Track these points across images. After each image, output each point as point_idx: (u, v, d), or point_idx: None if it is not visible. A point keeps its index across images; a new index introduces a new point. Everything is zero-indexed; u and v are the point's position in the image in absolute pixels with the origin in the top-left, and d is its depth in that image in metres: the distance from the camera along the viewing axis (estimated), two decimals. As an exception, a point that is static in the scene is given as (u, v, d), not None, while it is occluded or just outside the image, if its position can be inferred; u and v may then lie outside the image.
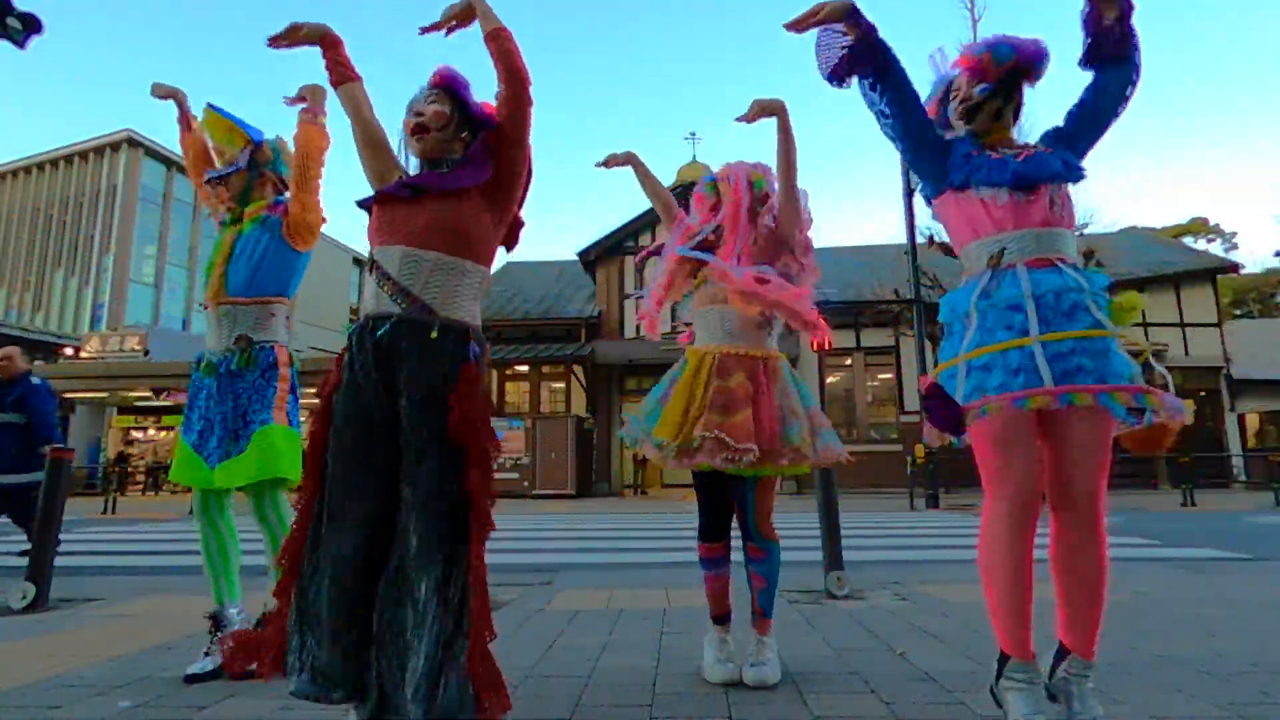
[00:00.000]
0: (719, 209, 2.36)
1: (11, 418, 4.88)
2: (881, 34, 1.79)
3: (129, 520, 10.60)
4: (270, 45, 1.86)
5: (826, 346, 2.32)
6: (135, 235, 32.48)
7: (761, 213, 2.34)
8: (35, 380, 5.04)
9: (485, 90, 1.78)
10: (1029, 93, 1.83)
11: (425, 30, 1.81)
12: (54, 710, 1.91)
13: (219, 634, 2.24)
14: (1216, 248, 37.02)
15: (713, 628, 2.26)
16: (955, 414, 1.64)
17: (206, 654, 2.20)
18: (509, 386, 18.05)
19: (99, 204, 33.16)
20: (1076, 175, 1.71)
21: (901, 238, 13.42)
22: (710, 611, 2.27)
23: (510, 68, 1.69)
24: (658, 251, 2.51)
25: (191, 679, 2.13)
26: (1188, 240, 32.55)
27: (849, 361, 17.76)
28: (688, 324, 2.46)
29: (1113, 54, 1.72)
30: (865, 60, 1.78)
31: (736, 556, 2.28)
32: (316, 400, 1.65)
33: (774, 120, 2.23)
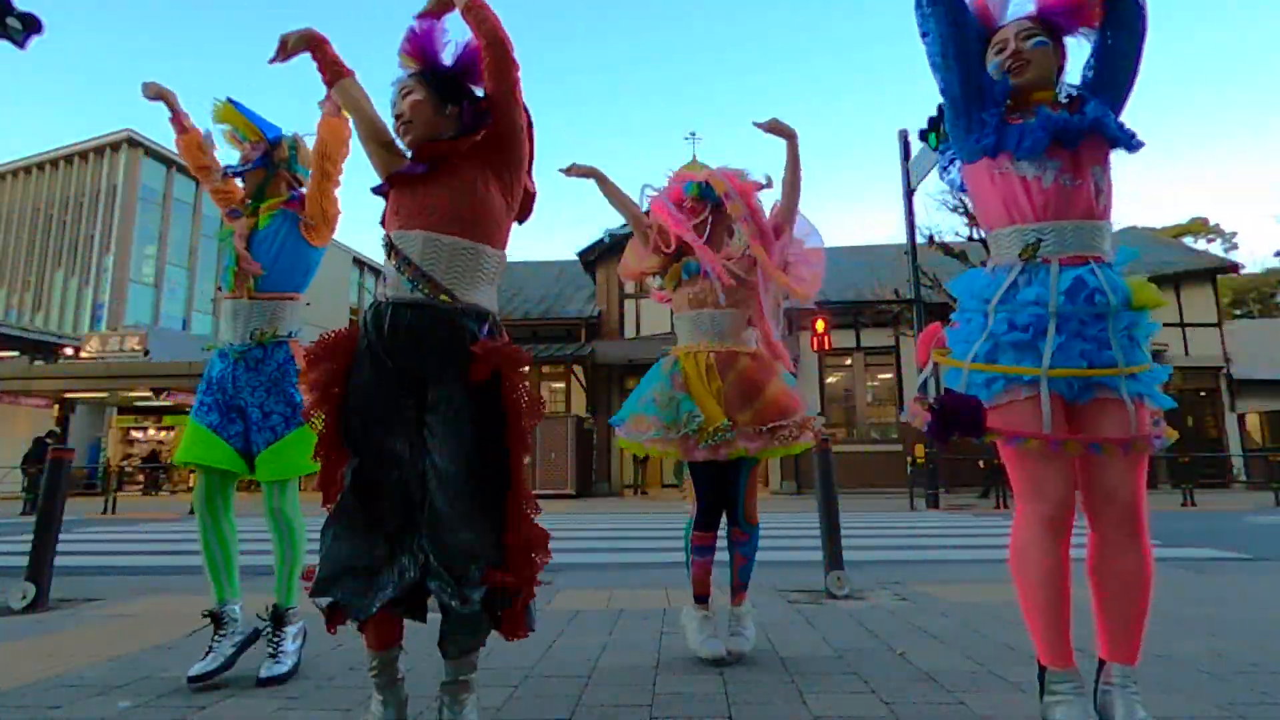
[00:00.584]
0: (697, 212, 2.45)
1: None
2: None
3: (129, 520, 10.60)
4: (271, 64, 1.86)
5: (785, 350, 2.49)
6: (135, 235, 32.47)
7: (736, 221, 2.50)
8: None
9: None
10: None
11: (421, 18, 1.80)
12: (54, 710, 1.91)
13: (221, 633, 2.22)
14: (1216, 248, 37.02)
15: (695, 606, 2.43)
16: (976, 414, 1.50)
17: (209, 653, 2.17)
18: (509, 386, 18.01)
19: (99, 204, 33.15)
20: (1133, 141, 1.57)
21: (901, 238, 13.41)
22: (694, 592, 2.44)
23: (489, 35, 1.66)
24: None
25: (196, 679, 2.09)
26: (1188, 240, 32.54)
27: (849, 361, 17.76)
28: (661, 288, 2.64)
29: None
30: None
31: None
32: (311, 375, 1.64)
33: (784, 143, 2.40)
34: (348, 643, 2.45)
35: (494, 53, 1.66)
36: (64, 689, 2.10)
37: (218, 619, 2.25)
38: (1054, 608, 1.52)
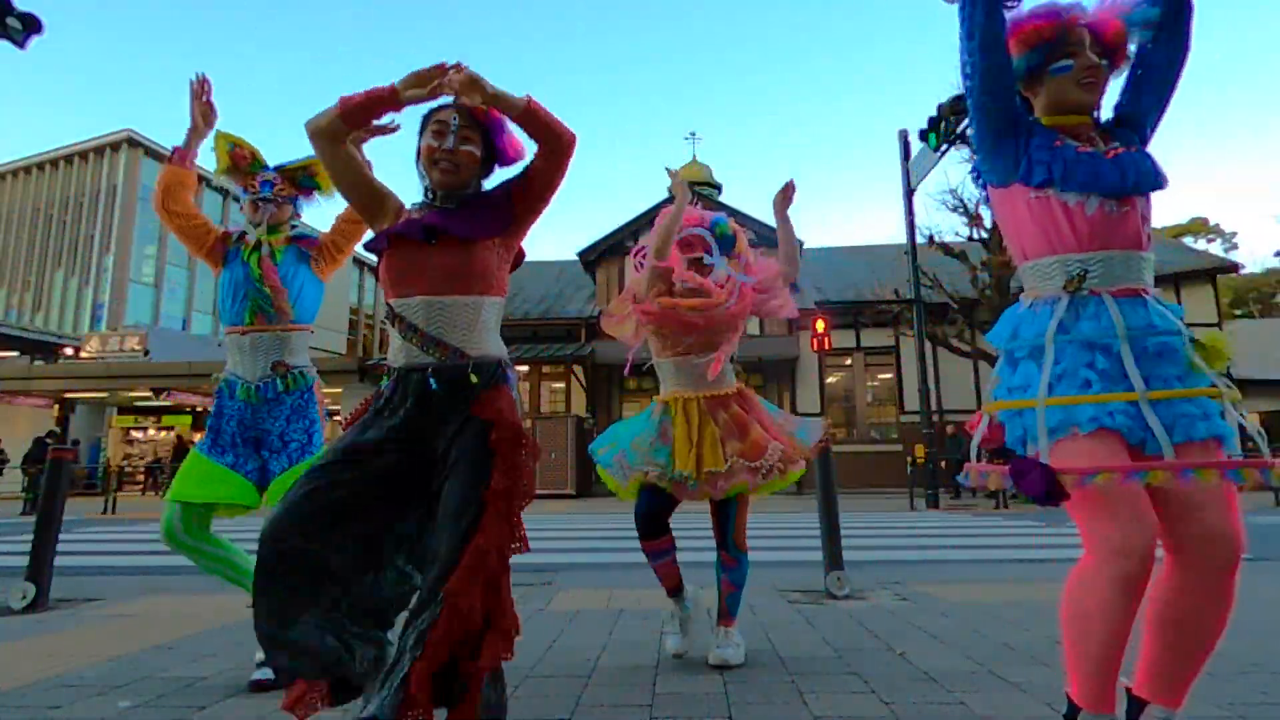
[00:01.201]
0: (710, 251, 2.55)
1: None
2: None
3: (129, 520, 10.60)
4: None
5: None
6: (135, 235, 32.49)
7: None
8: None
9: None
10: None
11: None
12: (54, 710, 1.91)
13: None
14: (1216, 248, 37.07)
15: (673, 603, 2.49)
16: (1050, 480, 1.28)
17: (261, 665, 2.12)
18: (509, 386, 18.03)
19: (99, 204, 33.18)
20: (1164, 181, 1.45)
21: (901, 238, 13.42)
22: (665, 588, 2.48)
23: (554, 137, 1.58)
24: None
25: (257, 686, 2.07)
26: (1188, 240, 32.58)
27: (849, 361, 17.76)
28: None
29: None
30: None
31: (707, 556, 2.39)
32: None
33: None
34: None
35: (556, 150, 1.60)
36: (64, 689, 2.10)
37: None
38: (1108, 660, 1.33)
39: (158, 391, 18.54)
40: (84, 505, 12.91)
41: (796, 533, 7.47)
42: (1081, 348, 1.39)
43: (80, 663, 2.39)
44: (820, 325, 13.40)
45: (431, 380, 1.53)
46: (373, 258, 1.69)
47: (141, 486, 19.85)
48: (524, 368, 17.69)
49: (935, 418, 13.93)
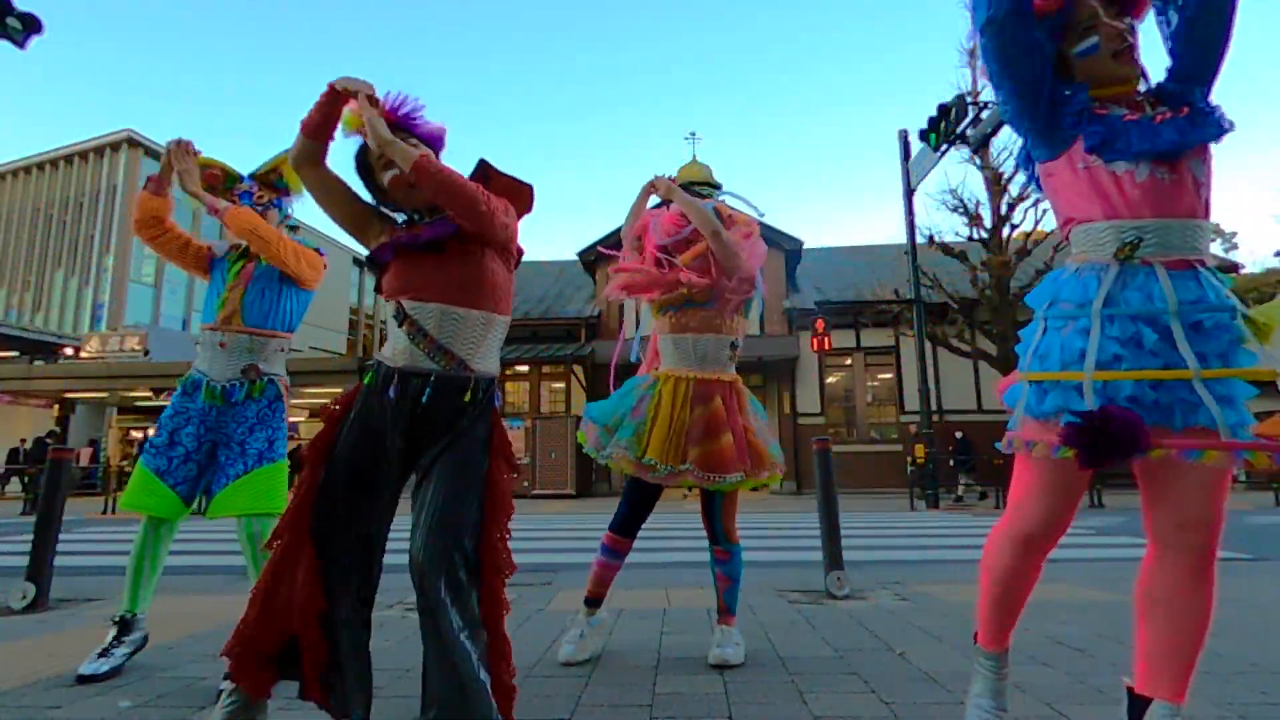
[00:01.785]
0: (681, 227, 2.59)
1: None
2: None
3: (129, 520, 10.60)
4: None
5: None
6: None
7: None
8: None
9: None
10: None
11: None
12: (54, 710, 1.91)
13: (122, 638, 2.26)
14: (1217, 248, 37.01)
15: (585, 610, 2.47)
16: (1134, 432, 1.25)
17: (102, 655, 2.21)
18: (509, 386, 18.04)
19: (99, 204, 33.15)
20: (1227, 127, 1.38)
21: (901, 238, 13.42)
22: (588, 592, 2.47)
23: (452, 201, 1.52)
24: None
25: (86, 679, 2.13)
26: (1188, 240, 32.45)
27: (849, 361, 17.76)
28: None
29: None
30: None
31: (701, 556, 2.34)
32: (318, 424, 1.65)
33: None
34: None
35: (468, 216, 1.54)
36: (64, 689, 2.10)
37: (125, 625, 2.28)
38: (1009, 609, 1.54)
39: (158, 391, 18.52)
40: (84, 505, 12.90)
41: (796, 533, 7.47)
42: (1125, 321, 1.35)
43: (80, 663, 2.39)
44: (820, 325, 13.44)
45: (429, 388, 1.55)
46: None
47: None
48: (524, 368, 17.71)
49: (935, 418, 13.93)
